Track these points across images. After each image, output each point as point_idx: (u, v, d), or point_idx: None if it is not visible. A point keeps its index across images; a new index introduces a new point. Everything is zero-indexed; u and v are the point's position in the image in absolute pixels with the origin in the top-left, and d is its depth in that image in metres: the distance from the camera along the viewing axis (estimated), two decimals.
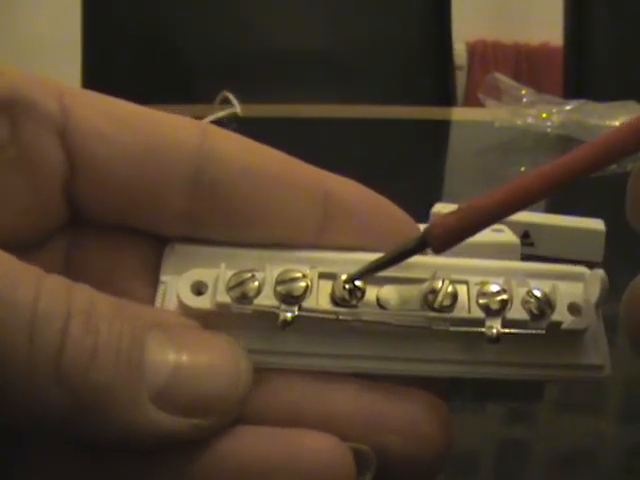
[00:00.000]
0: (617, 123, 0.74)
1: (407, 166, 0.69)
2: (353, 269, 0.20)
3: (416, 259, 0.20)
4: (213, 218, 0.20)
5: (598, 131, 0.74)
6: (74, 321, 0.16)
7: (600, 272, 0.21)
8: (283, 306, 0.19)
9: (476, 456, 0.30)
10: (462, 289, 0.20)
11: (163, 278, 0.20)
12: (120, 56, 1.08)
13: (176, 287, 0.20)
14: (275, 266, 0.20)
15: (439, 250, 0.19)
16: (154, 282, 0.20)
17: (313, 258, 0.20)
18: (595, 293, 0.20)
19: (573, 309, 0.20)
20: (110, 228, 0.20)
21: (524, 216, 0.43)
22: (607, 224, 0.43)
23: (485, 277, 0.20)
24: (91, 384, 0.16)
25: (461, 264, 0.21)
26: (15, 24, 1.82)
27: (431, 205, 0.44)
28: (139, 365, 0.17)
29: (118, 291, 0.19)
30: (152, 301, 0.20)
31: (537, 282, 0.20)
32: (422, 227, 0.20)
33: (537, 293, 0.20)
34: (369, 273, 0.20)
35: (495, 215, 0.18)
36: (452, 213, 0.18)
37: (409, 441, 0.19)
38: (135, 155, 0.19)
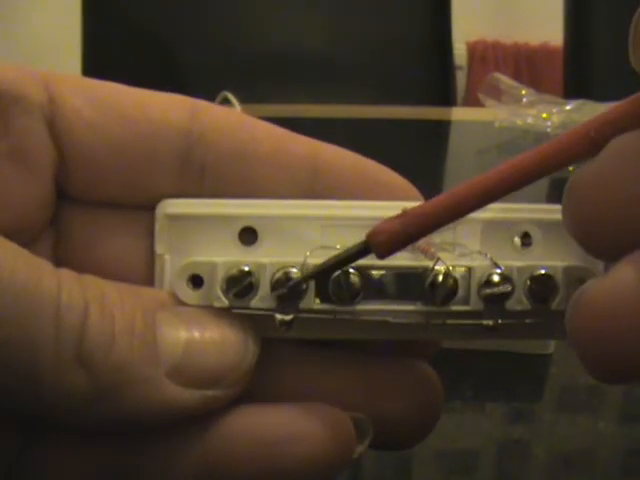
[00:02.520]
0: None
1: (407, 166, 0.68)
2: (351, 225, 0.20)
3: None
4: (201, 197, 0.20)
5: None
6: (91, 309, 0.17)
7: None
8: (281, 307, 0.19)
9: (476, 456, 0.30)
10: (464, 274, 0.19)
11: (158, 251, 0.20)
12: (120, 56, 1.08)
13: (172, 266, 0.20)
14: (271, 235, 0.20)
15: (383, 256, 0.18)
16: (149, 256, 0.20)
17: (305, 213, 0.20)
18: None
19: (579, 286, 0.19)
20: (101, 208, 0.20)
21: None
22: None
23: (493, 233, 0.20)
24: (111, 365, 0.17)
25: (470, 216, 0.19)
26: (15, 24, 1.82)
27: None
28: (153, 344, 0.18)
29: (114, 270, 0.20)
30: (150, 276, 0.20)
31: (546, 240, 0.20)
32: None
33: (541, 277, 0.19)
34: (312, 278, 0.19)
35: (441, 220, 0.18)
36: (396, 217, 0.18)
37: (404, 406, 0.20)
38: (123, 142, 0.20)
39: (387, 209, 0.20)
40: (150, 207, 0.20)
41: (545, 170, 0.17)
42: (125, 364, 0.17)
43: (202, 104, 0.21)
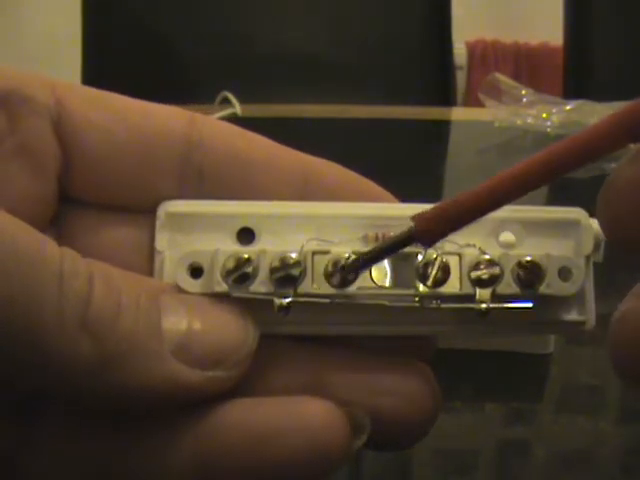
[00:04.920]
0: None
1: (407, 166, 0.69)
2: (344, 225, 0.21)
3: (410, 212, 0.20)
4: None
5: None
6: (96, 280, 0.18)
7: (594, 222, 0.21)
8: (279, 291, 0.20)
9: (476, 456, 0.30)
10: (454, 261, 0.20)
11: (158, 247, 0.21)
12: (120, 56, 1.09)
13: (172, 262, 0.20)
14: (269, 232, 0.21)
15: (428, 246, 0.19)
16: (149, 258, 0.21)
17: (302, 212, 0.21)
18: (588, 245, 0.21)
19: (564, 274, 0.20)
20: (102, 210, 0.21)
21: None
22: None
23: (479, 230, 0.21)
24: (117, 335, 0.17)
25: None
26: (15, 24, 1.82)
27: None
28: (158, 322, 0.18)
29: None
30: (149, 274, 0.21)
31: (530, 236, 0.21)
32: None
33: (528, 263, 0.20)
34: (358, 269, 0.20)
35: (484, 208, 0.18)
36: (438, 207, 0.18)
37: (400, 404, 0.21)
38: (126, 144, 0.20)
39: (381, 209, 0.21)
40: (151, 210, 0.21)
41: (578, 160, 0.17)
42: (131, 336, 0.18)
43: (199, 115, 0.21)
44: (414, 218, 0.19)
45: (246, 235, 0.21)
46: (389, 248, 0.20)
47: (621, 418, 0.33)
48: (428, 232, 0.18)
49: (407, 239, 0.19)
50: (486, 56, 1.98)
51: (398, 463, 0.30)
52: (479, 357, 0.35)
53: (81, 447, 0.19)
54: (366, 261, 0.20)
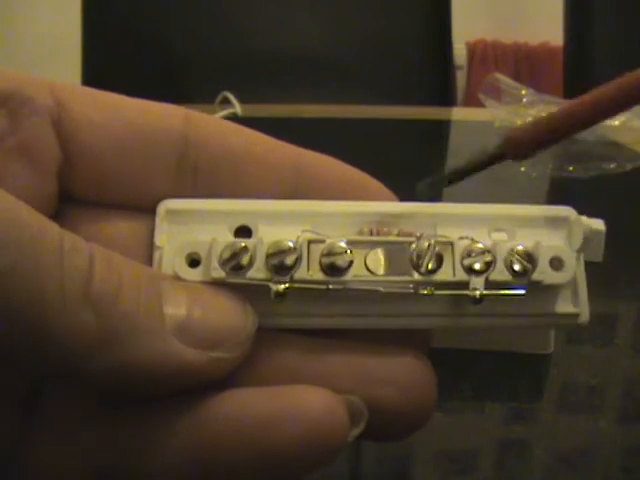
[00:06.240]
0: (617, 123, 0.74)
1: (407, 166, 0.69)
2: (340, 222, 0.21)
3: (405, 209, 0.21)
4: (197, 197, 0.22)
5: (598, 131, 0.74)
6: (97, 259, 0.18)
7: (583, 218, 0.22)
8: (275, 278, 0.20)
9: (476, 456, 0.30)
10: (447, 250, 0.21)
11: (157, 243, 0.21)
12: (120, 57, 1.09)
13: (170, 255, 0.21)
14: (266, 228, 0.21)
15: (518, 160, 0.19)
16: (148, 253, 0.21)
17: (299, 209, 0.21)
18: (578, 239, 0.21)
19: (555, 263, 0.21)
20: (100, 207, 0.21)
21: None
22: (607, 224, 0.43)
23: (471, 228, 0.21)
24: (119, 313, 0.17)
25: (449, 212, 0.22)
26: (15, 24, 1.82)
27: None
28: (159, 303, 0.18)
29: None
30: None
31: (521, 233, 0.22)
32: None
33: (520, 251, 0.20)
34: (447, 183, 0.20)
35: (573, 126, 0.18)
36: (530, 124, 0.18)
37: (398, 393, 0.21)
38: (124, 142, 0.21)
39: (378, 207, 0.22)
40: (149, 209, 0.21)
41: None
42: (132, 313, 0.18)
43: (195, 113, 0.22)
44: (505, 136, 0.19)
45: (244, 233, 0.21)
46: (483, 163, 0.20)
47: (621, 418, 0.33)
48: (518, 147, 0.19)
49: (500, 155, 0.19)
50: (486, 56, 1.98)
51: (398, 463, 0.30)
52: (479, 357, 0.35)
53: (81, 441, 0.19)
54: (464, 173, 0.20)
